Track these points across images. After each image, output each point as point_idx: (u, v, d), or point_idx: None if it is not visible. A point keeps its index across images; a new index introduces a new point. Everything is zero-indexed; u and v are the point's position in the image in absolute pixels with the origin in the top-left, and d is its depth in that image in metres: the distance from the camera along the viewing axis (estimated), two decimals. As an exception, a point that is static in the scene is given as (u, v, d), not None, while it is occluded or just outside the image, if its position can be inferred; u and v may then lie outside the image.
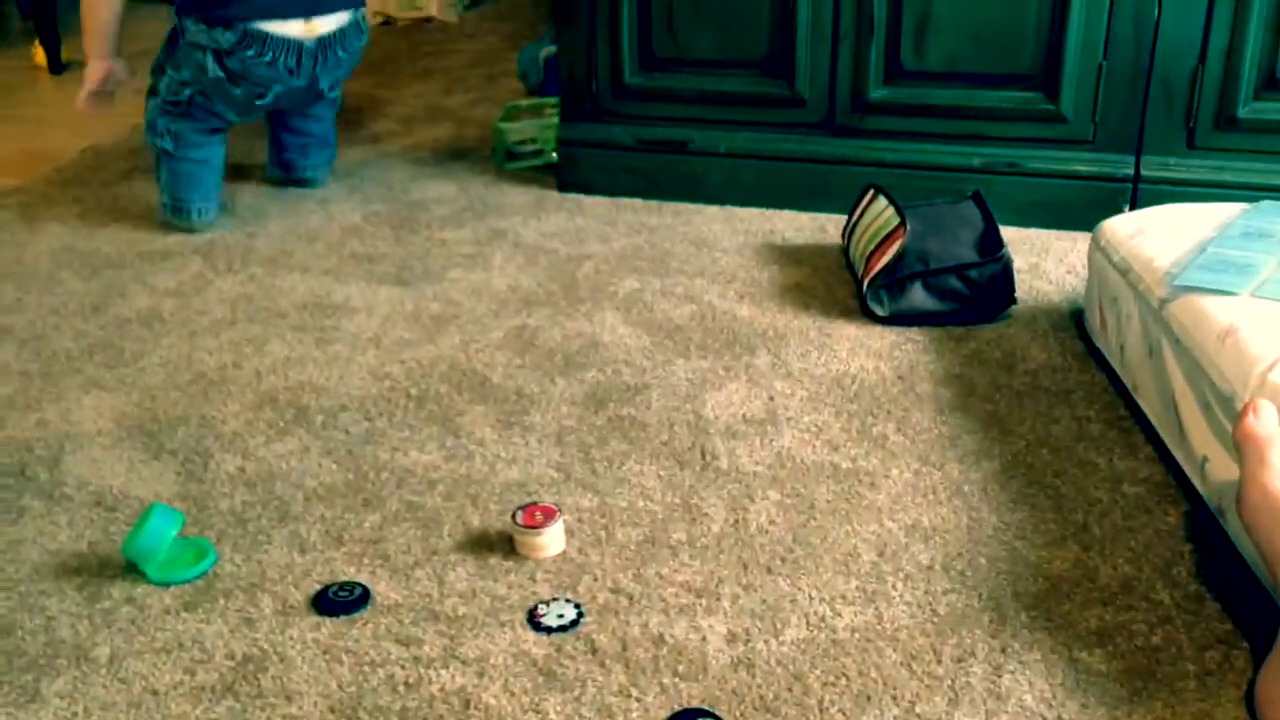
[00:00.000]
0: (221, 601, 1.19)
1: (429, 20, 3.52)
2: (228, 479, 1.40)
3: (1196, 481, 1.26)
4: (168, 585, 1.21)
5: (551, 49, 2.69)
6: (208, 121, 2.09)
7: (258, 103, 2.08)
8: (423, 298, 1.85)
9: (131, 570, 1.23)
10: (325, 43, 2.06)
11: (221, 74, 2.04)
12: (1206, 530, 1.25)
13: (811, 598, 1.17)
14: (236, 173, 2.37)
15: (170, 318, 1.80)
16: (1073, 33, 1.93)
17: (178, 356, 1.68)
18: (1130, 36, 1.92)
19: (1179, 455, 1.32)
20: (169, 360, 1.67)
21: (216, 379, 1.62)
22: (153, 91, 2.12)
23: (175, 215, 2.10)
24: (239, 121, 2.14)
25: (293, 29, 2.02)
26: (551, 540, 1.25)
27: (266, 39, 2.01)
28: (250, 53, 2.01)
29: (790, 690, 1.05)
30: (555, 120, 2.32)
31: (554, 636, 1.13)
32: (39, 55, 3.11)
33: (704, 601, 1.17)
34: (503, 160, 2.41)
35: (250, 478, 1.40)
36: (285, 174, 2.31)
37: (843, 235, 1.98)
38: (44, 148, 2.55)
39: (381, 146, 2.53)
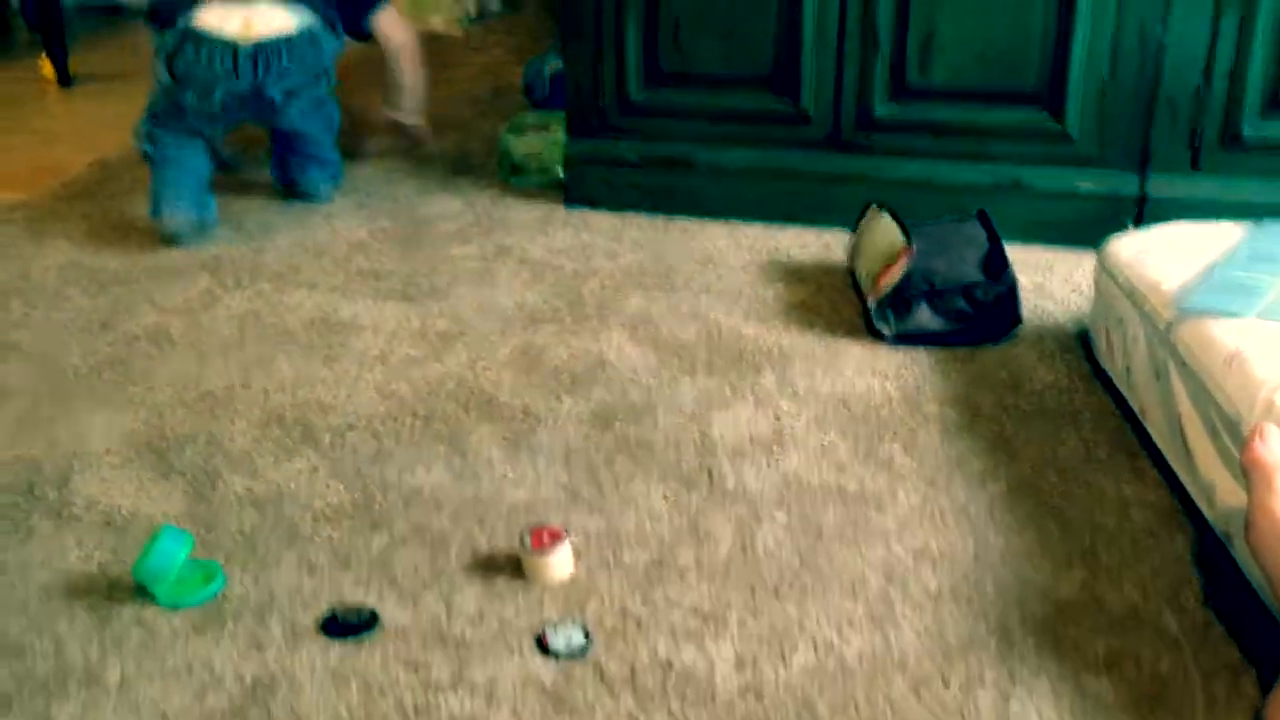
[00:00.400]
0: (231, 624, 1.19)
1: (435, 35, 3.53)
2: (236, 499, 1.40)
3: (1204, 507, 1.26)
4: (177, 608, 1.22)
5: (557, 63, 2.70)
6: (180, 126, 2.12)
7: (208, 108, 2.09)
8: (429, 314, 1.85)
9: (141, 592, 1.23)
10: (265, 48, 2.06)
11: (169, 79, 2.07)
12: (1214, 556, 1.25)
13: (819, 623, 1.17)
14: (243, 189, 2.37)
15: (178, 335, 1.80)
16: (1077, 51, 1.94)
17: (186, 374, 1.69)
18: (1135, 55, 1.92)
19: (1186, 480, 1.32)
20: (177, 378, 1.68)
21: (224, 397, 1.63)
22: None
23: (152, 214, 2.13)
24: (209, 131, 2.16)
25: (229, 27, 2.03)
26: (559, 563, 1.26)
27: (202, 39, 2.02)
28: (189, 53, 2.03)
29: (799, 718, 1.05)
30: (561, 135, 2.32)
31: (562, 661, 1.13)
32: (46, 68, 3.12)
33: (712, 626, 1.17)
34: (508, 175, 2.41)
35: (258, 498, 1.40)
36: (289, 188, 2.32)
37: (847, 254, 1.98)
38: (51, 161, 2.56)
39: (387, 161, 2.54)
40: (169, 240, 2.10)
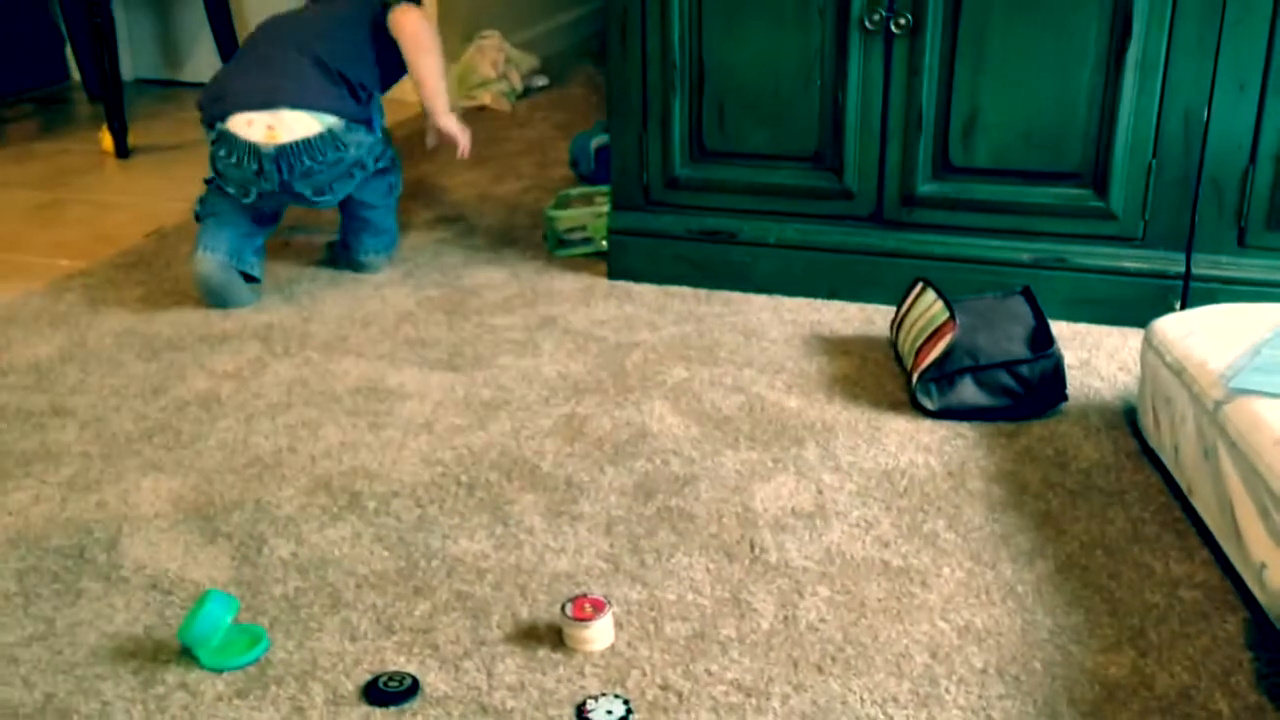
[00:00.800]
0: (274, 689, 1.20)
1: (483, 109, 3.60)
2: (281, 564, 1.41)
3: (1255, 588, 1.24)
4: (221, 671, 1.22)
5: (603, 138, 2.74)
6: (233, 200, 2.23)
7: (245, 201, 2.19)
8: (474, 384, 1.87)
9: (186, 655, 1.24)
10: (287, 152, 2.14)
11: (213, 172, 2.21)
12: (1267, 638, 1.23)
13: (863, 699, 1.16)
14: (296, 256, 2.42)
15: (228, 400, 1.83)
16: (1122, 132, 1.95)
17: (234, 439, 1.71)
18: (1180, 136, 1.93)
19: (1236, 561, 1.30)
20: (226, 443, 1.70)
21: (272, 462, 1.65)
22: None
23: (190, 259, 2.20)
24: (262, 213, 2.25)
25: (254, 134, 2.13)
26: (601, 634, 1.25)
27: (233, 141, 2.14)
28: (222, 152, 2.16)
29: (842, 795, 1.04)
30: (606, 208, 2.35)
31: (603, 733, 1.13)
32: (106, 140, 3.21)
33: (754, 701, 1.16)
34: (554, 247, 2.45)
35: (303, 563, 1.41)
36: (344, 255, 2.36)
37: (891, 328, 1.98)
38: (110, 231, 2.63)
39: (435, 233, 2.58)
40: (200, 282, 2.16)
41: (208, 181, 2.25)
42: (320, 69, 2.21)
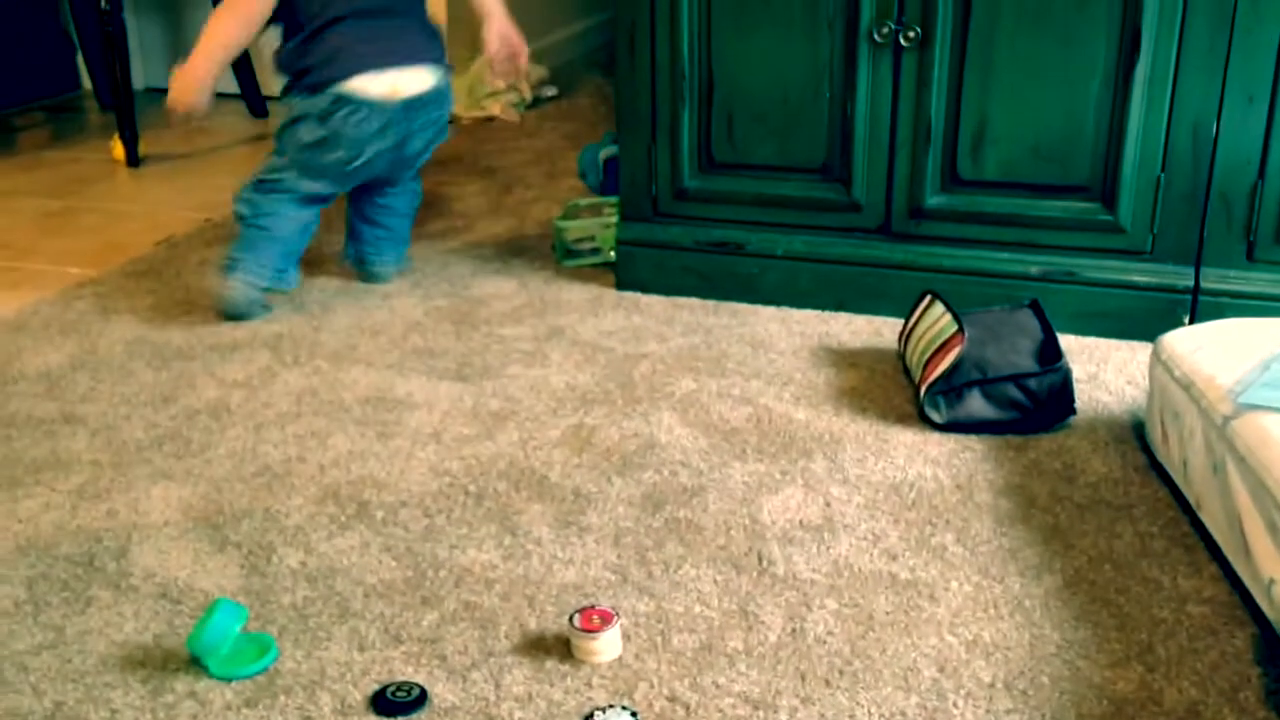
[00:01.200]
0: (282, 699, 1.20)
1: (491, 119, 3.61)
2: (290, 573, 1.42)
3: (1263, 604, 1.24)
4: (230, 680, 1.23)
5: (612, 150, 2.75)
6: (294, 193, 2.21)
7: (355, 163, 2.19)
8: (482, 394, 1.88)
9: (195, 664, 1.25)
10: (410, 105, 2.18)
11: (323, 134, 2.16)
12: (1275, 654, 1.23)
13: (871, 713, 1.16)
14: (305, 266, 2.43)
15: (237, 409, 1.84)
16: (1131, 145, 1.95)
17: (244, 448, 1.72)
18: (1189, 150, 1.93)
19: (1245, 576, 1.30)
20: (235, 452, 1.71)
21: (281, 472, 1.65)
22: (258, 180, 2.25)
23: (222, 273, 2.18)
24: (331, 193, 2.24)
25: (379, 89, 2.15)
26: (608, 645, 1.26)
27: (356, 101, 2.14)
28: (340, 115, 2.15)
29: (850, 809, 1.04)
30: (614, 219, 2.36)
31: (611, 745, 1.13)
32: (117, 149, 3.22)
33: (761, 713, 1.17)
34: (562, 257, 2.45)
35: (312, 572, 1.42)
36: (358, 266, 2.36)
37: (899, 340, 1.99)
38: (120, 240, 2.64)
39: (444, 243, 2.59)
40: (223, 304, 2.16)
41: (260, 180, 2.22)
42: (420, 21, 2.25)
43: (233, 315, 2.17)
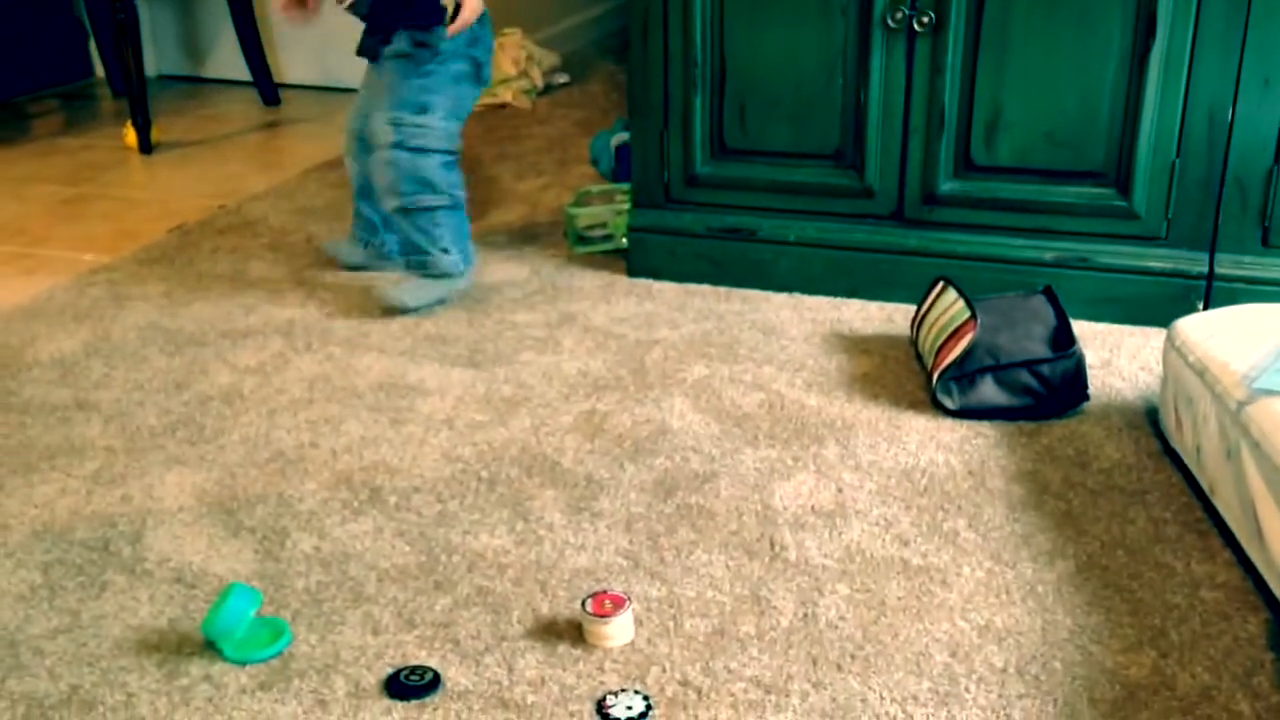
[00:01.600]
0: (296, 682, 1.21)
1: (504, 106, 3.60)
2: (303, 558, 1.42)
3: (1276, 589, 1.24)
4: (244, 664, 1.23)
5: (624, 136, 2.75)
6: (453, 151, 2.16)
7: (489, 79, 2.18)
8: (494, 380, 1.88)
9: (209, 648, 1.25)
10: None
11: (483, 62, 2.13)
12: (1289, 640, 1.22)
13: (883, 698, 1.16)
14: (317, 256, 2.43)
15: (250, 395, 1.84)
16: (1145, 131, 1.94)
17: (257, 434, 1.72)
18: (1204, 135, 1.92)
19: (1258, 561, 1.29)
20: (249, 438, 1.71)
21: (294, 457, 1.66)
22: (413, 150, 2.10)
23: (466, 266, 2.18)
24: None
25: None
26: (620, 630, 1.26)
27: (485, 17, 2.11)
28: (484, 30, 2.11)
29: (861, 793, 1.04)
30: (626, 206, 2.36)
31: (623, 729, 1.13)
32: (130, 136, 3.23)
33: (773, 698, 1.17)
34: (574, 244, 2.45)
35: (325, 557, 1.42)
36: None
37: (912, 326, 1.98)
38: (133, 227, 2.65)
39: (456, 229, 2.58)
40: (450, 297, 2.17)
41: (450, 151, 2.13)
42: None
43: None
